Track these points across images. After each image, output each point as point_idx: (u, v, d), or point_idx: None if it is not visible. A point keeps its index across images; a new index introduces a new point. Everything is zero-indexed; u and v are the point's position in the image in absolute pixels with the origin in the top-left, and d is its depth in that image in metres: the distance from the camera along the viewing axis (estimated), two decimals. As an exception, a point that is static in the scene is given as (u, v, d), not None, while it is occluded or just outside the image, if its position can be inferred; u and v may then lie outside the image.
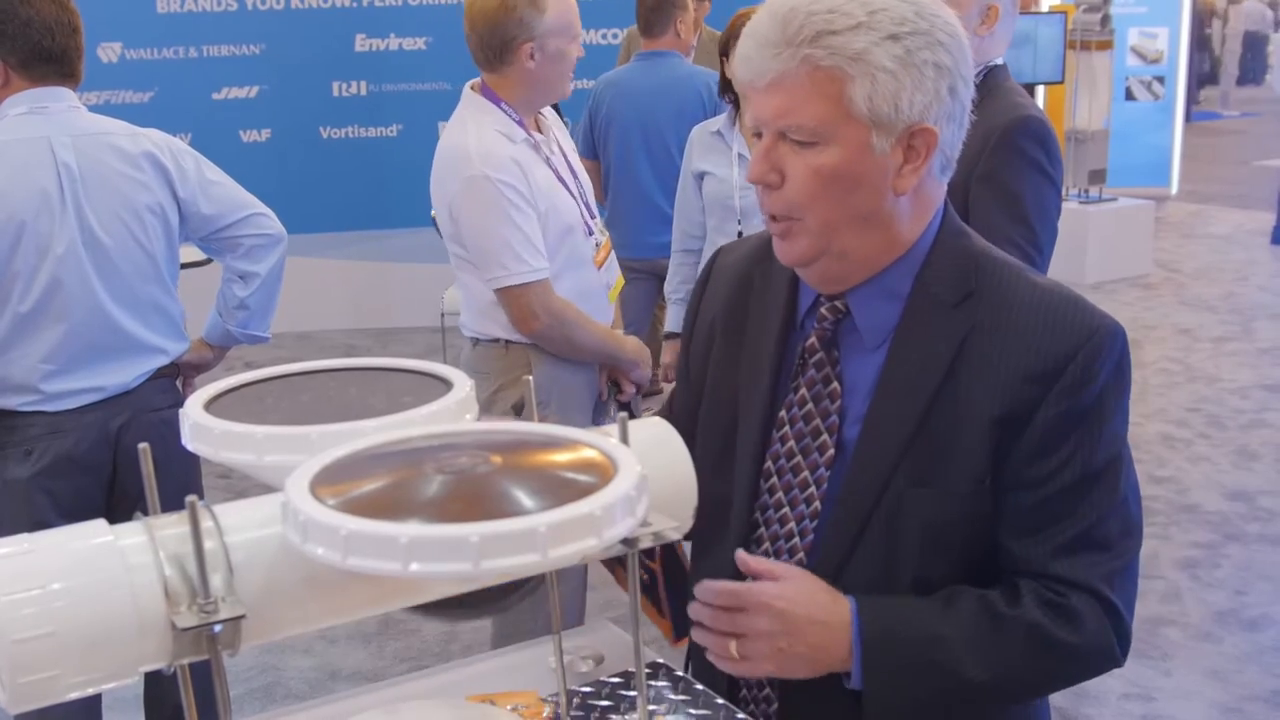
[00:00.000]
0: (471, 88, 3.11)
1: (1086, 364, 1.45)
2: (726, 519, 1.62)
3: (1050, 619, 1.47)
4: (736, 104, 3.88)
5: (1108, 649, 1.52)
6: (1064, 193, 9.28)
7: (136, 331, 2.88)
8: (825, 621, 1.46)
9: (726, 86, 3.96)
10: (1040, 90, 9.82)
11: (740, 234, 3.90)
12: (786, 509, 1.59)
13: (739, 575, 1.60)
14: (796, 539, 1.58)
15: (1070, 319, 1.48)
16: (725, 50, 3.97)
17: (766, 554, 1.60)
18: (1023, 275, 1.54)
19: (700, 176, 4.02)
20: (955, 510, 1.48)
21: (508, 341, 3.12)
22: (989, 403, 1.47)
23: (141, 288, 2.88)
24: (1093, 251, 8.66)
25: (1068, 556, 1.49)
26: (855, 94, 1.40)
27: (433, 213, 6.04)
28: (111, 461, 2.87)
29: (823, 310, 1.57)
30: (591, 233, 3.20)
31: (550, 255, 3.03)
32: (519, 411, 3.10)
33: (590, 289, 3.18)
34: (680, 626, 2.83)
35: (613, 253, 3.30)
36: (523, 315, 2.99)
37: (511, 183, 2.95)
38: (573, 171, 3.23)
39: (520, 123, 3.07)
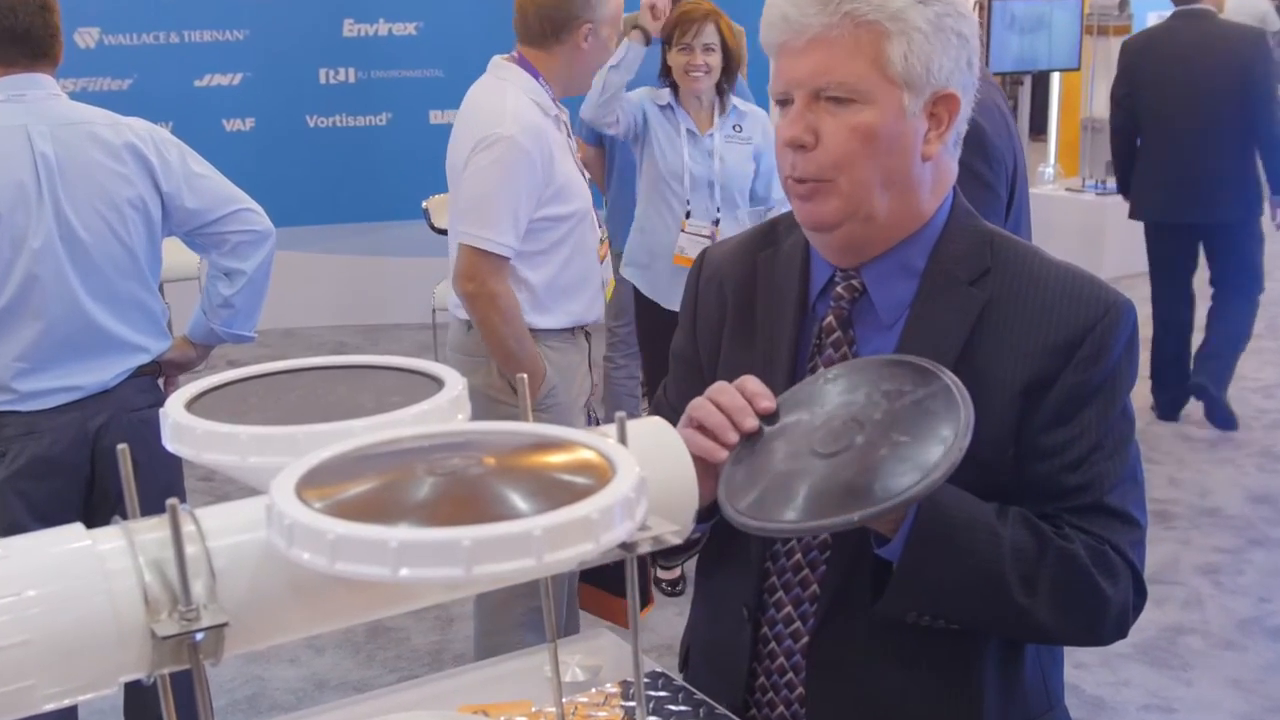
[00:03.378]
0: (503, 59, 3.24)
1: (1103, 337, 1.53)
2: None
3: (1091, 558, 1.52)
4: (676, 88, 4.34)
5: (1123, 615, 1.57)
6: (1080, 183, 9.23)
7: (115, 329, 2.88)
8: None
9: (666, 72, 4.37)
10: (1055, 77, 9.81)
11: (688, 214, 4.28)
12: None
13: (763, 555, 1.65)
14: None
15: (1087, 294, 1.55)
16: (668, 39, 4.31)
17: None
18: (1037, 253, 1.62)
19: (645, 123, 4.33)
20: (979, 483, 1.50)
21: None
22: (1013, 373, 1.53)
23: (121, 284, 2.88)
24: (1110, 245, 8.63)
25: (1090, 518, 1.54)
26: (893, 52, 1.48)
27: (424, 204, 6.05)
28: (89, 463, 2.87)
29: (839, 289, 1.63)
30: (600, 225, 3.34)
31: (566, 235, 3.18)
32: None
33: (592, 274, 3.29)
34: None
35: (608, 257, 3.39)
36: (468, 273, 3.10)
37: (534, 155, 3.06)
38: (580, 165, 3.35)
39: (553, 99, 3.20)
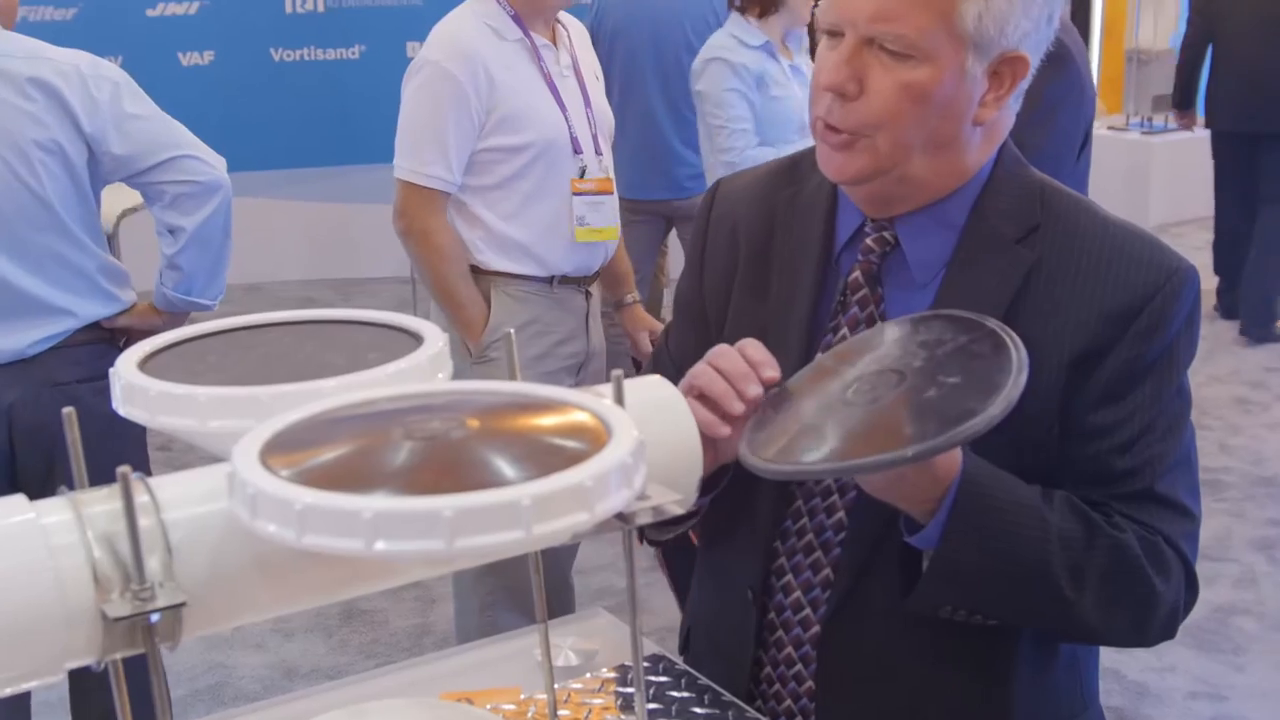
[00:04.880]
0: None
1: (1163, 307, 1.50)
2: (749, 483, 1.58)
3: (1143, 550, 1.51)
4: (754, 10, 4.09)
5: (1174, 614, 1.57)
6: (1124, 121, 9.24)
7: (28, 288, 2.77)
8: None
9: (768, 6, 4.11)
10: (1098, 4, 9.77)
11: None
12: None
13: (771, 533, 1.63)
14: (836, 497, 1.60)
15: (1148, 257, 1.53)
16: None
17: (799, 513, 1.62)
18: (1092, 210, 1.59)
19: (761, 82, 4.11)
20: (1018, 462, 1.50)
21: (474, 268, 3.21)
22: (1062, 344, 1.51)
23: (33, 237, 2.77)
24: (1156, 188, 8.63)
25: (1140, 507, 1.53)
26: (967, 10, 1.44)
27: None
28: (7, 443, 2.78)
29: (869, 242, 1.60)
30: (579, 152, 3.23)
31: (523, 170, 3.16)
32: None
33: (563, 218, 3.22)
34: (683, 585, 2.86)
35: (608, 202, 3.28)
36: (399, 209, 3.22)
37: (459, 78, 3.08)
38: (585, 97, 3.30)
39: (517, 19, 3.17)
